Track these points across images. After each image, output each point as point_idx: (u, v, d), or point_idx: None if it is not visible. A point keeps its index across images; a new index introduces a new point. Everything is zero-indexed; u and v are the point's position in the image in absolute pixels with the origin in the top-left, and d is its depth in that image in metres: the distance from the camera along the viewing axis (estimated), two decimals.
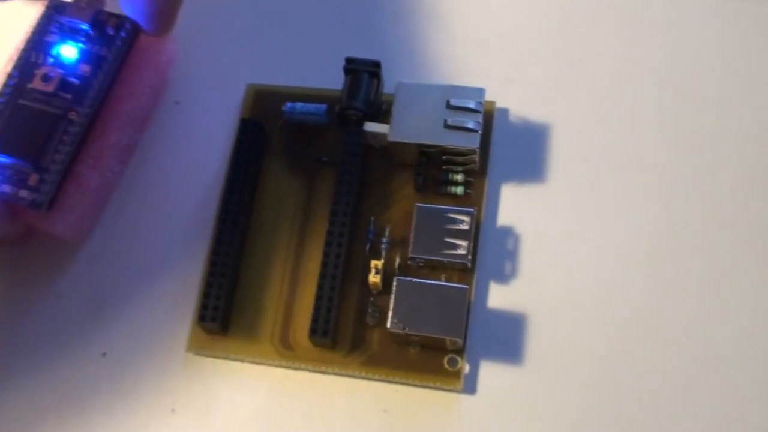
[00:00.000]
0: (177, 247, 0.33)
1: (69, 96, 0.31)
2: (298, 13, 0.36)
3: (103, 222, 0.33)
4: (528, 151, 0.33)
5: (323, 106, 0.33)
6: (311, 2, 0.37)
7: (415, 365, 0.30)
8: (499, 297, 0.31)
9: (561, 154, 0.33)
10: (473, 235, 0.31)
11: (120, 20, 0.32)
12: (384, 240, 0.31)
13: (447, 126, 0.31)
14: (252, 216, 0.32)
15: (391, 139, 0.31)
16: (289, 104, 0.33)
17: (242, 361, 0.31)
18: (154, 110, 0.35)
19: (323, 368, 0.30)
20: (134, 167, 0.34)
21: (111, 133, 0.32)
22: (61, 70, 0.31)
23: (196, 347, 0.31)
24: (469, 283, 0.31)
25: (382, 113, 0.33)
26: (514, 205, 0.32)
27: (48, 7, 0.32)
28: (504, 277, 0.31)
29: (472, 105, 0.31)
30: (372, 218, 0.32)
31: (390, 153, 0.32)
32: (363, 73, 0.33)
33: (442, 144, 0.31)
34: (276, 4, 0.37)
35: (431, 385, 0.30)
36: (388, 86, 0.33)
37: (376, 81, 0.33)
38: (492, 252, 0.31)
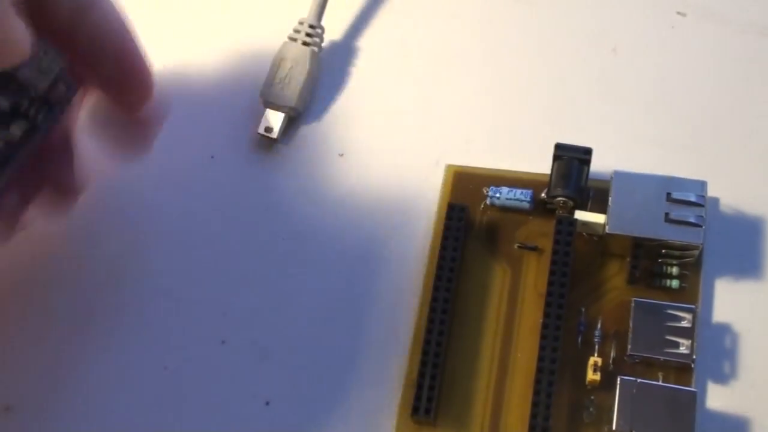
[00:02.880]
0: (377, 327, 0.32)
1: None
2: (500, 94, 0.36)
3: (309, 295, 0.33)
4: (743, 242, 0.32)
5: (529, 192, 0.33)
6: (510, 84, 0.37)
7: None
8: (719, 398, 0.30)
9: None
10: (695, 334, 0.30)
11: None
12: (596, 333, 0.31)
13: (668, 220, 0.30)
14: (456, 301, 0.32)
15: (609, 230, 0.31)
16: (493, 188, 0.33)
17: None
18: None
19: None
20: (334, 243, 0.34)
21: None
22: None
23: None
24: (689, 383, 0.30)
25: (589, 201, 0.32)
26: (730, 300, 0.31)
27: None
28: (724, 377, 0.30)
29: (693, 198, 0.30)
30: (582, 309, 0.31)
31: (603, 243, 0.32)
32: (573, 160, 0.32)
33: (665, 239, 0.30)
34: (478, 85, 0.37)
35: None
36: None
37: (586, 168, 0.32)
38: (710, 350, 0.30)
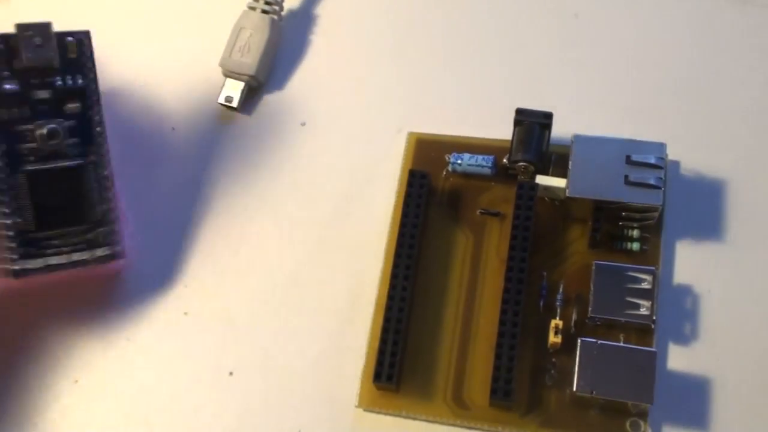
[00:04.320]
0: (340, 295, 0.32)
1: (76, 140, 0.30)
2: (460, 61, 0.36)
3: (268, 270, 0.33)
4: (703, 205, 0.32)
5: (491, 158, 0.33)
6: (471, 50, 0.36)
7: (596, 427, 0.29)
8: (679, 358, 0.30)
9: (739, 209, 0.32)
10: (655, 295, 0.30)
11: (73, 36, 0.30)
12: (558, 297, 0.31)
13: (628, 182, 0.30)
14: (419, 268, 0.32)
15: (569, 194, 0.31)
16: (455, 155, 0.33)
17: (415, 419, 0.30)
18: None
19: (500, 429, 0.30)
20: (297, 213, 0.34)
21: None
22: (53, 121, 0.29)
23: (367, 404, 0.30)
24: (650, 344, 0.30)
25: (551, 165, 0.32)
26: (691, 261, 0.31)
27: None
28: (684, 337, 0.30)
29: (652, 160, 0.31)
30: (544, 273, 0.31)
31: (564, 207, 0.32)
32: (534, 125, 0.32)
33: (625, 201, 0.30)
34: (439, 52, 0.36)
35: None
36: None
37: (547, 132, 0.32)
38: (670, 311, 0.31)
